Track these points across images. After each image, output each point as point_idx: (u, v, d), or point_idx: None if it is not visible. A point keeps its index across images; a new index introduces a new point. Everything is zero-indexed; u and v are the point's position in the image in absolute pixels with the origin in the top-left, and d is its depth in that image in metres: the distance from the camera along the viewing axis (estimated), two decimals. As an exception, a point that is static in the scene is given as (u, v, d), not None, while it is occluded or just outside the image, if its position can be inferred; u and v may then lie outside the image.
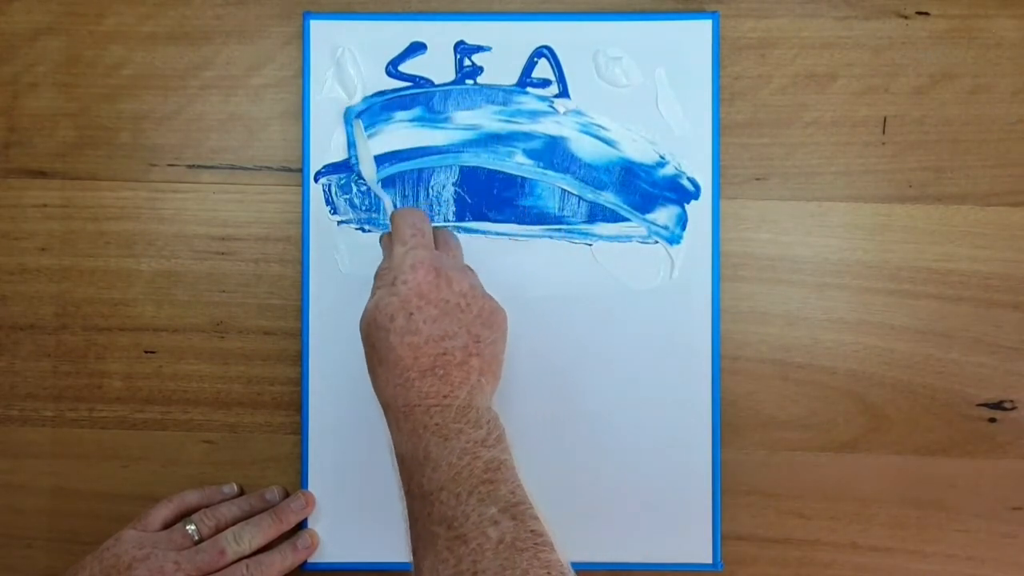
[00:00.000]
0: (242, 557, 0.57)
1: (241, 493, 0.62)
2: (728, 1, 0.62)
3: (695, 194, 0.61)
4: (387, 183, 0.61)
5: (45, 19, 0.63)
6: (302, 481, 0.61)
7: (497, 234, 0.61)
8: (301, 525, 0.61)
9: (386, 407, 0.50)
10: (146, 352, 0.63)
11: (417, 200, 0.61)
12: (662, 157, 0.61)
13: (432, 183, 0.61)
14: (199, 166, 0.63)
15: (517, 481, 0.47)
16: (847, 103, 0.62)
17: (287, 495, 0.61)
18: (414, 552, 0.47)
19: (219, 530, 0.58)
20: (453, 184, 0.61)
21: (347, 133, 0.61)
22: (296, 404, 0.62)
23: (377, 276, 0.52)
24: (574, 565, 0.60)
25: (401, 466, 0.49)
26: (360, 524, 0.61)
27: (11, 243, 0.63)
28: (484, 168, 0.61)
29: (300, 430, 0.62)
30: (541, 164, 0.61)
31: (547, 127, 0.61)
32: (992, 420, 0.61)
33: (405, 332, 0.48)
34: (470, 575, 0.43)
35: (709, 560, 0.60)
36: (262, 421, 0.62)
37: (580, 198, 0.61)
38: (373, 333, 0.50)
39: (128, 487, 0.62)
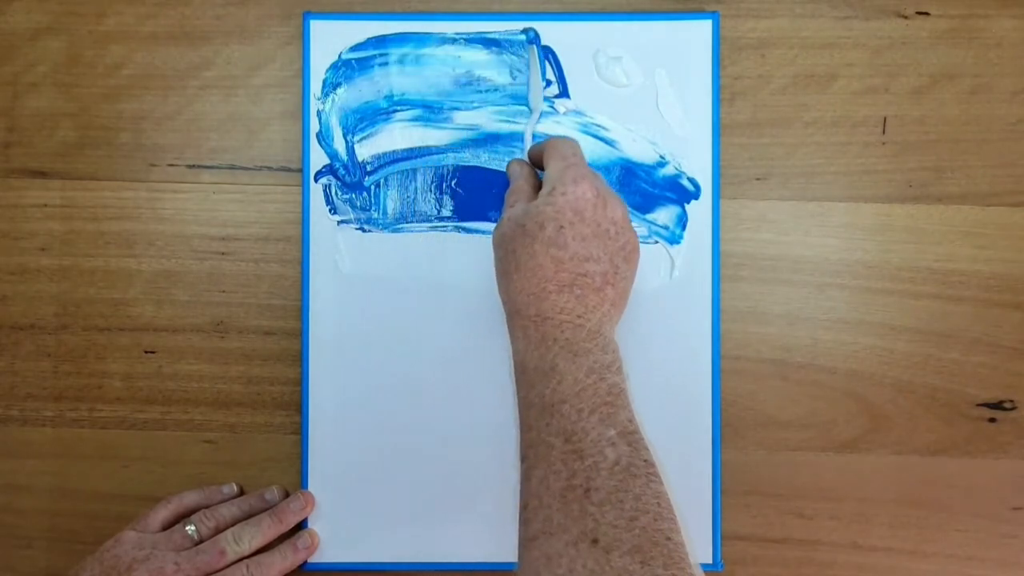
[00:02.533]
0: (242, 557, 0.57)
1: (241, 493, 0.62)
2: (728, 1, 0.62)
3: (695, 194, 0.61)
4: (387, 183, 0.61)
5: (45, 19, 0.63)
6: (302, 481, 0.61)
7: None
8: (301, 525, 0.61)
9: (514, 313, 0.49)
10: (146, 352, 0.63)
11: (415, 200, 0.61)
12: (662, 157, 0.61)
13: (431, 183, 0.61)
14: (199, 166, 0.63)
15: (633, 412, 0.47)
16: (847, 103, 0.62)
17: (287, 495, 0.61)
18: (524, 459, 0.47)
19: (219, 531, 0.58)
20: (452, 184, 0.61)
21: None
22: (296, 404, 0.62)
23: (508, 195, 0.52)
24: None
25: (521, 375, 0.49)
26: (360, 524, 0.61)
27: (11, 243, 0.63)
28: (484, 168, 0.61)
29: (300, 430, 0.62)
30: (541, 164, 0.61)
31: (547, 127, 0.61)
32: (992, 420, 0.61)
33: (551, 243, 0.48)
34: (582, 490, 0.43)
35: (709, 560, 0.60)
36: (262, 421, 0.62)
37: (580, 198, 0.61)
38: (517, 238, 0.49)
39: (128, 487, 0.62)
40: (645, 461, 0.44)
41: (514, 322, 0.49)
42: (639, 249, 0.51)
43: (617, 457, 0.44)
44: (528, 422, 0.47)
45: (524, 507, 0.45)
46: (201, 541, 0.58)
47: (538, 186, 0.54)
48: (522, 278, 0.48)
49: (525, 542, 0.44)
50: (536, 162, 0.56)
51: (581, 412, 0.45)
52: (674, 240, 0.61)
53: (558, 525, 0.43)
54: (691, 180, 0.61)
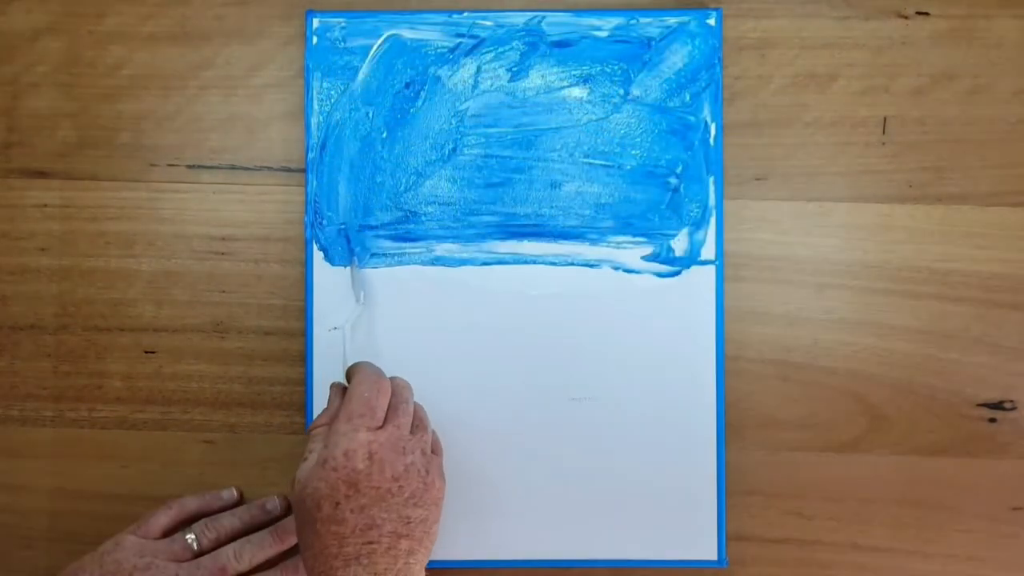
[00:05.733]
0: (241, 574, 0.57)
1: (241, 498, 0.62)
2: (728, 1, 0.62)
3: (698, 190, 0.61)
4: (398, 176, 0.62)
5: (45, 19, 0.63)
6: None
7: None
8: None
9: None
10: (146, 352, 0.63)
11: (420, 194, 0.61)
12: (666, 156, 0.61)
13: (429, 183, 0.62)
14: (199, 166, 0.63)
15: None
16: (847, 103, 0.62)
17: (288, 504, 0.61)
18: None
19: (219, 542, 0.58)
20: (451, 182, 0.61)
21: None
22: (296, 404, 0.62)
23: (313, 430, 0.53)
24: (580, 562, 0.61)
25: None
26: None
27: (11, 243, 0.63)
28: (489, 164, 0.61)
29: (300, 430, 0.62)
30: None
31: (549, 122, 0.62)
32: (992, 420, 0.61)
33: (331, 521, 0.48)
34: None
35: (714, 557, 0.60)
36: (262, 421, 0.62)
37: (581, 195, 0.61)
38: (301, 511, 0.50)
39: (128, 487, 0.62)
40: None
41: None
42: (434, 485, 0.51)
43: None
44: None
45: None
46: (201, 551, 0.57)
47: None
48: (311, 555, 0.49)
49: None
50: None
51: None
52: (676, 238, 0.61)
53: None
54: (694, 177, 0.61)
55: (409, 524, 0.50)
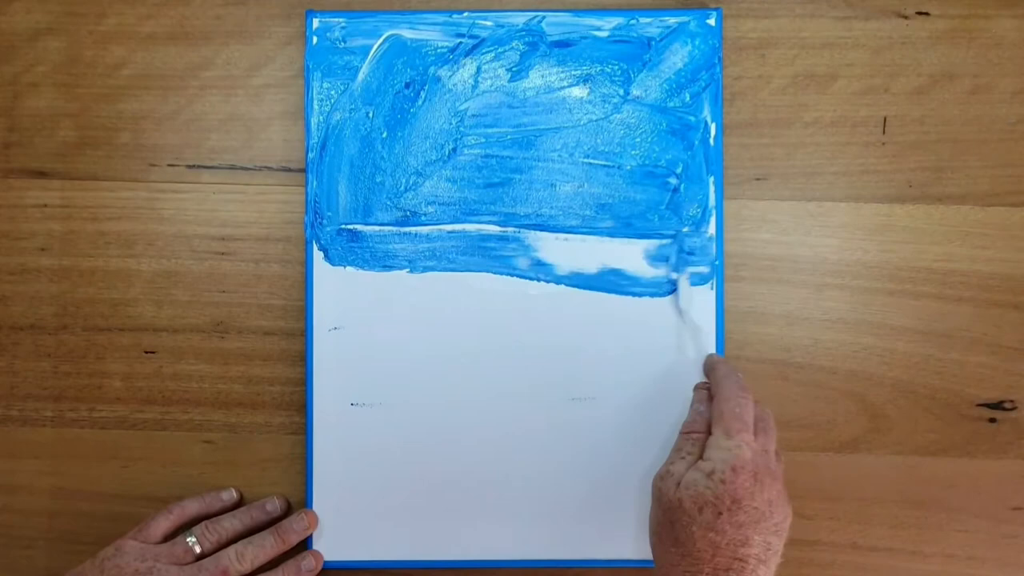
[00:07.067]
0: (243, 575, 0.57)
1: (240, 499, 0.62)
2: (728, 1, 0.62)
3: (698, 191, 0.61)
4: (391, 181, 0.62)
5: (45, 19, 0.63)
6: (307, 481, 0.61)
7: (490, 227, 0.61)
8: (305, 542, 0.61)
9: None
10: (146, 352, 0.63)
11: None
12: (665, 158, 0.61)
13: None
14: (199, 166, 0.63)
15: None
16: (847, 103, 0.62)
17: (288, 505, 0.61)
18: None
19: (220, 545, 0.58)
20: (451, 182, 0.61)
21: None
22: (296, 404, 0.62)
23: (684, 436, 0.53)
24: (580, 562, 0.61)
25: None
26: (365, 523, 0.61)
27: (11, 243, 0.63)
28: (492, 159, 0.61)
29: (300, 430, 0.62)
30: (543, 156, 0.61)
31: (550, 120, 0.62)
32: (992, 420, 0.61)
33: (709, 528, 0.49)
34: None
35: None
36: (262, 421, 0.62)
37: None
38: (674, 511, 0.50)
39: (128, 487, 0.62)
40: None
41: None
42: (790, 515, 0.52)
43: None
44: None
45: None
46: (203, 554, 0.58)
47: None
48: (679, 554, 0.50)
49: None
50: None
51: None
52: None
53: None
54: (694, 177, 0.61)
55: (769, 551, 0.50)
